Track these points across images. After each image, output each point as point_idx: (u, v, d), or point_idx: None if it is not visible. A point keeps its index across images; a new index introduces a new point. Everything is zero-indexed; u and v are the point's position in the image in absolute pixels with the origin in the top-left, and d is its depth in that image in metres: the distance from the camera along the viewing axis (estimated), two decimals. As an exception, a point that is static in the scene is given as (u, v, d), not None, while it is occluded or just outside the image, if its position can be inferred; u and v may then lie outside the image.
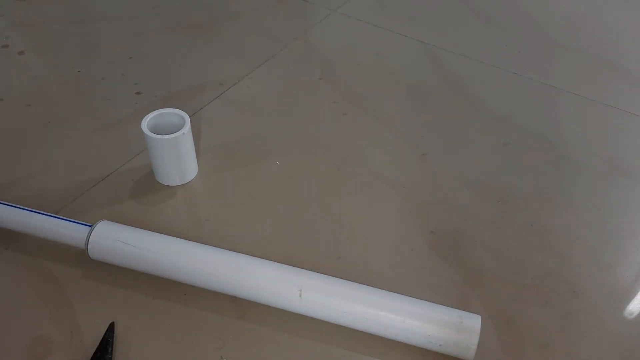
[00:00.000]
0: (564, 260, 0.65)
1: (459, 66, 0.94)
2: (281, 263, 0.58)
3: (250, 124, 0.81)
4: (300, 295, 0.55)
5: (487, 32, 1.04)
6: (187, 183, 0.72)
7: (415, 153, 0.78)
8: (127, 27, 1.00)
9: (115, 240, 0.58)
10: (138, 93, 0.86)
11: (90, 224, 0.60)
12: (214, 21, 1.02)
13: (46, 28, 1.00)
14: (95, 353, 0.53)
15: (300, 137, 0.79)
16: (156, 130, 0.68)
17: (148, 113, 0.69)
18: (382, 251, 0.65)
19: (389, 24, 1.04)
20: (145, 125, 0.67)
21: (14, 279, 0.60)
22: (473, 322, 0.53)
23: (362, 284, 0.56)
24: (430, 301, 0.55)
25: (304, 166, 0.75)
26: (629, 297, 0.62)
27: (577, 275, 0.63)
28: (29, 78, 0.88)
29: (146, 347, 0.55)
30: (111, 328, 0.55)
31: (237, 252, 0.59)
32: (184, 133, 0.67)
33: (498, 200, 0.71)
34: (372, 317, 0.54)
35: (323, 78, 0.90)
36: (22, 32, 0.98)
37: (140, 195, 0.70)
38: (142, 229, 0.60)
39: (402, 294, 0.56)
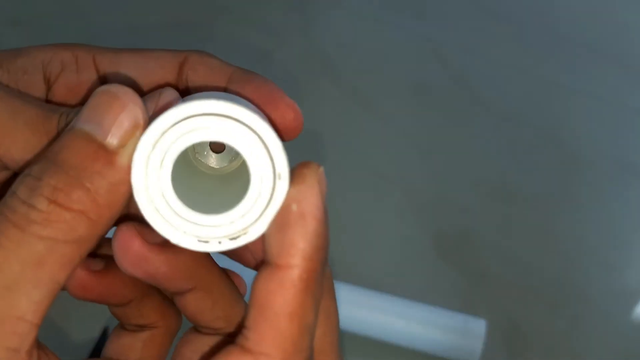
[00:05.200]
0: (571, 262, 0.64)
1: (465, 63, 0.93)
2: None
3: (249, 122, 0.80)
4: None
5: (494, 28, 1.03)
6: (184, 183, 0.71)
7: (419, 152, 0.77)
8: (122, 25, 0.99)
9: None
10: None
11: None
12: (209, 17, 1.01)
13: (42, 24, 0.99)
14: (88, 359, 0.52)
15: (301, 136, 0.78)
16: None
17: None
18: (384, 253, 0.64)
19: (393, 19, 1.03)
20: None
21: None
22: (477, 326, 0.53)
23: (364, 287, 0.56)
24: (433, 305, 0.55)
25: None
26: (638, 301, 0.61)
27: (585, 278, 0.63)
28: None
29: (141, 352, 0.54)
30: (105, 333, 0.54)
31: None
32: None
33: (504, 201, 0.71)
34: (373, 322, 0.53)
35: (324, 75, 0.89)
36: (17, 29, 0.97)
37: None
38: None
39: (404, 298, 0.55)
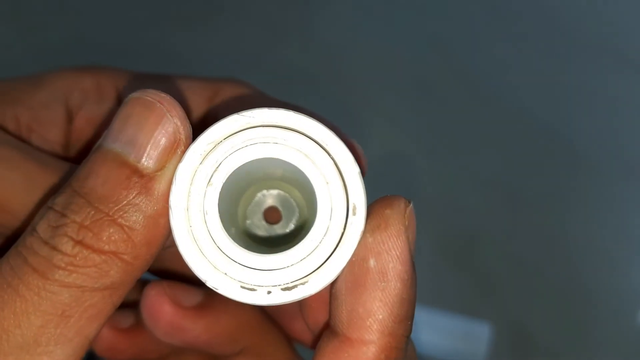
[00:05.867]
0: (579, 265, 0.64)
1: (470, 60, 0.93)
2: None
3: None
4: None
5: (500, 24, 1.02)
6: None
7: (422, 152, 0.76)
8: (117, 20, 0.99)
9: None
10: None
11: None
12: (206, 11, 1.01)
13: (37, 19, 0.98)
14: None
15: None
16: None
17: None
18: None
19: (396, 14, 1.03)
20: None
21: None
22: (481, 330, 0.53)
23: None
24: (436, 308, 0.55)
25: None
26: (646, 304, 0.61)
27: (592, 282, 0.62)
28: (18, 72, 0.86)
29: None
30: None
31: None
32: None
33: (510, 202, 0.70)
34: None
35: (324, 72, 0.89)
36: (6, 26, 0.97)
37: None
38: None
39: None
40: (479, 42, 0.99)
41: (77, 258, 0.15)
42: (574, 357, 0.56)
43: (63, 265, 0.15)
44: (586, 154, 0.78)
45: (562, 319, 0.59)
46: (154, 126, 0.15)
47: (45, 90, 0.22)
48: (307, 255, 0.15)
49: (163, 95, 0.16)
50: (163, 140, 0.15)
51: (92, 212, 0.15)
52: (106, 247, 0.15)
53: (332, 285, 0.16)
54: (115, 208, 0.15)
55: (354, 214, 0.15)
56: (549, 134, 0.81)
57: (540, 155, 0.77)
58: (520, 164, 0.76)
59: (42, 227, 0.16)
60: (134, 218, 0.15)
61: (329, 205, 0.15)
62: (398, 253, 0.15)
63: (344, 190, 0.16)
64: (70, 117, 0.22)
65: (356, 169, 0.16)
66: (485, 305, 0.59)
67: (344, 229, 0.15)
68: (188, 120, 0.16)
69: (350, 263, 0.15)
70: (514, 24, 1.04)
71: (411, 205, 0.16)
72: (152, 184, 0.15)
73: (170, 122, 0.15)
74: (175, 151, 0.16)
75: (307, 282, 0.15)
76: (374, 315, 0.15)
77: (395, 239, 0.15)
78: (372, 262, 0.15)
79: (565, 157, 0.77)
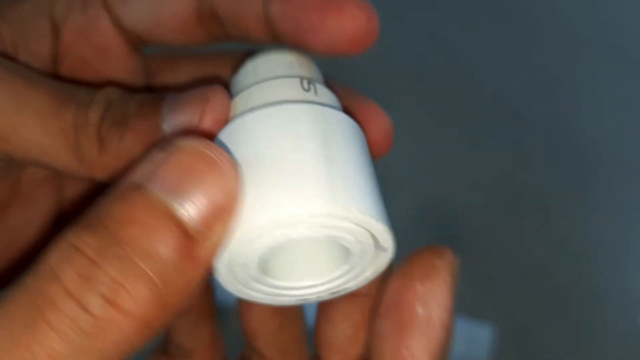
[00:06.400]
0: (582, 267, 0.64)
1: (472, 59, 0.93)
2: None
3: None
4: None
5: (503, 22, 1.02)
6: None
7: (423, 151, 0.76)
8: None
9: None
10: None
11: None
12: None
13: None
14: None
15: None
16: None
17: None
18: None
19: (396, 12, 1.02)
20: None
21: None
22: (483, 332, 0.54)
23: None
24: None
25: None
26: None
27: (595, 283, 0.62)
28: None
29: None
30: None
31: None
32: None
33: (512, 202, 0.70)
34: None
35: (322, 71, 0.89)
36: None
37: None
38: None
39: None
40: (482, 43, 0.99)
41: (104, 321, 0.13)
42: (576, 359, 0.56)
43: (88, 328, 0.13)
44: (590, 156, 0.78)
45: (564, 321, 0.59)
46: (211, 184, 0.14)
47: (28, 4, 0.21)
48: (348, 272, 0.17)
49: (223, 152, 0.14)
50: (217, 203, 0.14)
51: (130, 267, 0.13)
52: (137, 311, 0.13)
53: (374, 322, 0.17)
54: (156, 267, 0.13)
55: (385, 251, 0.17)
56: (551, 135, 0.80)
57: (543, 156, 0.77)
58: (522, 165, 0.76)
59: (69, 275, 0.13)
60: (172, 281, 0.14)
61: (360, 251, 0.17)
62: (445, 303, 0.16)
63: (374, 241, 0.17)
64: (56, 29, 0.21)
65: (390, 238, 0.18)
66: (487, 307, 0.59)
67: (374, 257, 0.18)
68: (239, 179, 0.15)
69: (399, 307, 0.16)
70: (517, 24, 1.05)
71: (456, 257, 0.17)
72: (196, 248, 0.14)
73: (228, 184, 0.14)
74: (223, 218, 0.14)
75: (350, 287, 0.17)
76: (416, 358, 0.16)
77: (444, 290, 0.16)
78: (419, 309, 0.16)
79: (569, 159, 0.77)
